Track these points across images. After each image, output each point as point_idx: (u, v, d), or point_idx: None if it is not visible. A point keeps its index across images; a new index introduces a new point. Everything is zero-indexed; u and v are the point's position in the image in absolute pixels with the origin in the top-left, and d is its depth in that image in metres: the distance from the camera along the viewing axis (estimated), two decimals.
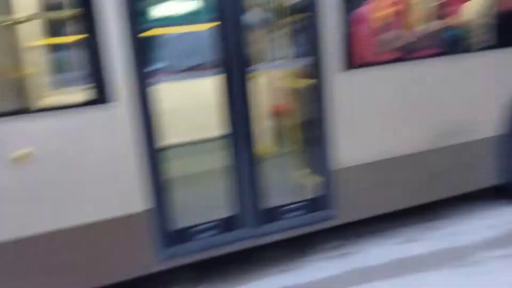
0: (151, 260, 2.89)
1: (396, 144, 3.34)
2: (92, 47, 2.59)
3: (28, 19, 3.17)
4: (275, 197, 3.19)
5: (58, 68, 3.72)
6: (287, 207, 3.22)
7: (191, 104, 4.07)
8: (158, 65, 4.05)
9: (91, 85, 2.62)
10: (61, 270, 2.71)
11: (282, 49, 4.13)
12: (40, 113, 2.58)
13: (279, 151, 4.40)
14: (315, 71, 3.09)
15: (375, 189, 3.33)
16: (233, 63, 2.91)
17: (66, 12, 2.77)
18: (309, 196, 3.27)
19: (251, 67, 2.97)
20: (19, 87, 3.20)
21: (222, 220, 3.05)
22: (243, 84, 2.96)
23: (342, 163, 3.20)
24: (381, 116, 3.26)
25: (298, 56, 3.47)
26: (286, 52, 3.99)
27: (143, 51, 2.72)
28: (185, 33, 4.85)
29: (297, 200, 3.25)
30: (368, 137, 3.26)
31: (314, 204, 3.25)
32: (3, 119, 2.50)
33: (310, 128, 3.25)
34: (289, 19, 3.81)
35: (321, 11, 3.01)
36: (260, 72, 3.29)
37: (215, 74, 2.93)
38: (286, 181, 3.65)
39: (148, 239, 2.86)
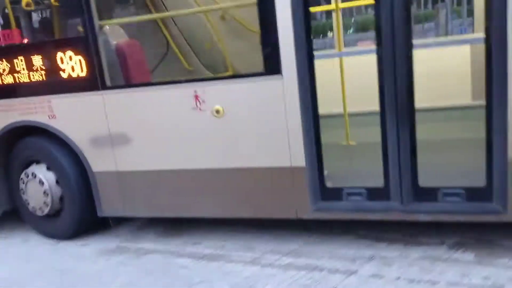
0: (306, 209, 3.42)
1: None
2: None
3: None
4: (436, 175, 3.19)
5: None
6: (450, 190, 3.13)
7: None
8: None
9: (266, 58, 3.23)
10: (232, 196, 3.60)
11: None
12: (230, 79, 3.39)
13: None
14: None
15: None
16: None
17: None
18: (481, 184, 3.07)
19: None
20: None
21: (373, 188, 3.27)
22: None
23: None
24: None
25: None
26: None
27: (310, 26, 3.12)
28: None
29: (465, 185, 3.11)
30: None
31: (479, 193, 3.04)
32: (207, 83, 3.44)
33: None
34: None
35: None
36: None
37: (376, 51, 3.05)
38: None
39: (306, 190, 3.39)
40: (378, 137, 3.86)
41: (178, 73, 4.46)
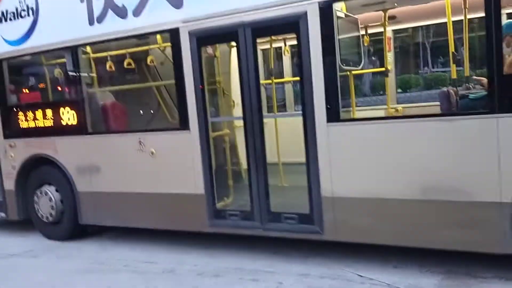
0: (205, 224, 4.85)
1: None
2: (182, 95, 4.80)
3: None
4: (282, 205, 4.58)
5: None
6: (288, 215, 4.47)
7: None
8: None
9: (180, 119, 4.85)
10: (158, 213, 5.13)
11: None
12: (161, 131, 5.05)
13: None
14: None
15: None
16: None
17: None
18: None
19: None
20: None
21: (243, 211, 4.67)
22: None
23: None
24: None
25: None
26: None
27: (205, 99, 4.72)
28: None
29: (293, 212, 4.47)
30: None
31: (306, 218, 4.36)
32: (146, 133, 5.10)
33: None
34: None
35: None
36: None
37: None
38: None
39: (205, 210, 4.84)
40: None
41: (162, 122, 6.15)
